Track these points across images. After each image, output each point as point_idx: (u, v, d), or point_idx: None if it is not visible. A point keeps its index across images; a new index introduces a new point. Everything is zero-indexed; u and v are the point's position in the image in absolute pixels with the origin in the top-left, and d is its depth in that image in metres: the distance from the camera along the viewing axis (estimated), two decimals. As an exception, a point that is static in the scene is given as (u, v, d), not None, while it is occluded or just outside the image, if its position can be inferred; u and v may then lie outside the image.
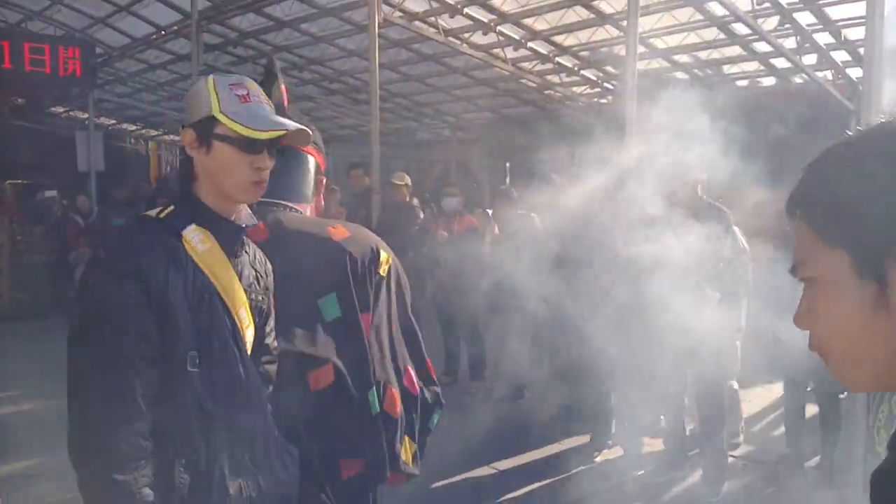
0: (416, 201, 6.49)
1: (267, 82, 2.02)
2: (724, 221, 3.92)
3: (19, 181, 15.27)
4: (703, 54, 8.75)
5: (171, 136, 16.85)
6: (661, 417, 4.63)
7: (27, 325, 9.05)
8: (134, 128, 16.62)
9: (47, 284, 9.97)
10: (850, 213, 0.72)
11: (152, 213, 1.55)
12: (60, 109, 15.17)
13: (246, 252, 1.63)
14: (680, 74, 9.36)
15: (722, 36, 7.91)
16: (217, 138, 1.47)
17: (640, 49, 7.86)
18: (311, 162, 2.18)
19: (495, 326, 5.77)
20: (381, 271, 1.92)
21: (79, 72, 11.21)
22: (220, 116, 1.48)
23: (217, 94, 1.50)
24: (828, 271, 0.73)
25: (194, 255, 1.49)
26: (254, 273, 1.63)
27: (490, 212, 5.99)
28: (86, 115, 13.08)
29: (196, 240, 1.51)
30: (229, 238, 1.56)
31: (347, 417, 1.80)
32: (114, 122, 16.06)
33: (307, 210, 2.12)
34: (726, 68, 9.25)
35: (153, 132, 16.85)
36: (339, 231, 1.93)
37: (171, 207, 1.53)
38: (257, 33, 9.51)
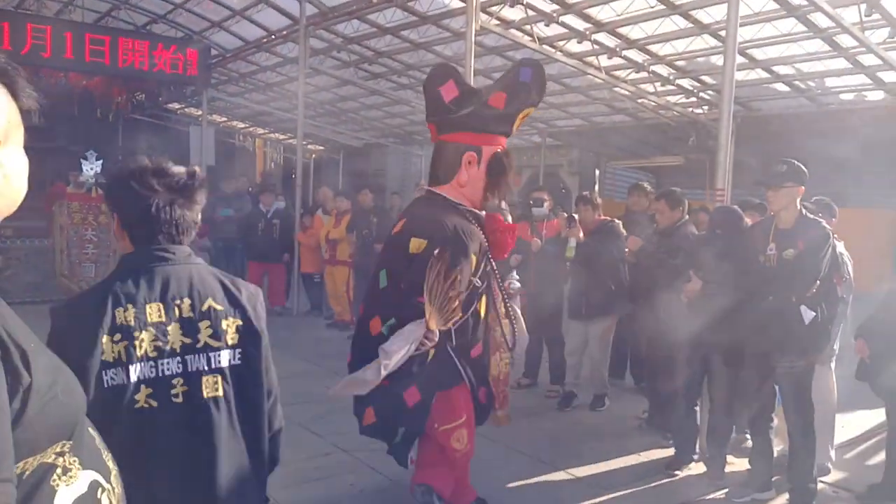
0: (504, 205, 6.61)
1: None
2: (823, 237, 3.76)
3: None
4: (805, 66, 8.47)
5: (277, 135, 17.67)
6: (747, 437, 4.54)
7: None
8: (243, 126, 17.54)
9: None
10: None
11: None
12: (177, 106, 16.22)
13: None
14: (780, 86, 9.08)
15: (826, 48, 7.64)
16: None
17: (739, 59, 7.72)
18: (449, 146, 3.10)
19: (577, 333, 5.82)
20: (411, 251, 2.99)
21: (195, 71, 12.01)
22: None
23: None
24: None
25: None
26: None
27: (576, 216, 6.00)
28: (199, 113, 13.96)
29: None
30: None
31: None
32: (224, 119, 16.99)
33: (445, 190, 3.11)
34: (829, 81, 8.90)
35: (260, 130, 17.72)
36: (398, 226, 3.14)
37: None
38: (360, 39, 9.91)
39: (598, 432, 5.16)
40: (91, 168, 8.99)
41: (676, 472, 4.43)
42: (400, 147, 15.99)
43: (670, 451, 4.78)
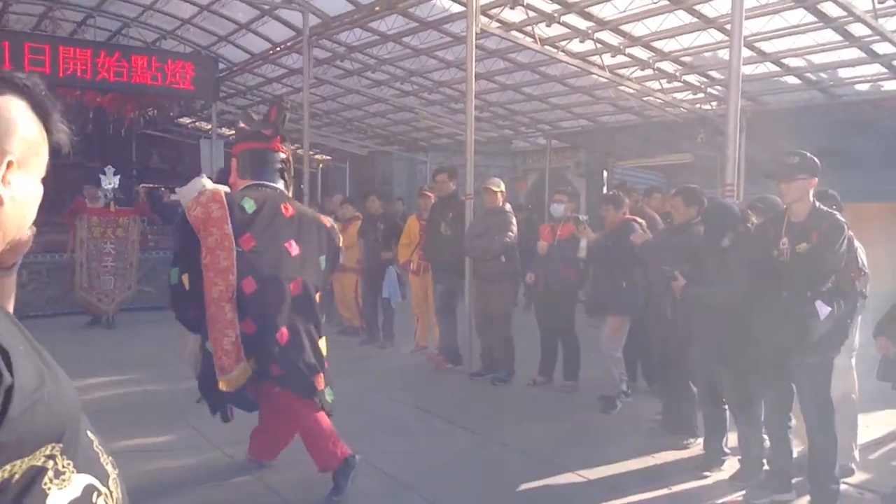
0: (508, 207, 6.57)
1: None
2: (837, 228, 3.65)
3: (150, 185, 16.61)
4: (816, 57, 8.32)
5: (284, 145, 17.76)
6: (765, 437, 4.42)
7: (152, 315, 9.81)
8: (251, 138, 17.63)
9: (172, 279, 10.78)
10: None
11: None
12: (188, 120, 16.34)
13: None
14: (791, 79, 8.94)
15: (838, 38, 7.50)
16: None
17: (747, 53, 7.60)
18: None
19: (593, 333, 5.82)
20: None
21: (204, 86, 12.09)
22: None
23: None
24: None
25: None
26: None
27: (584, 218, 6.01)
28: (209, 126, 14.07)
29: None
30: None
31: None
32: (234, 132, 17.09)
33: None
34: (843, 72, 8.74)
35: (268, 142, 17.81)
36: (327, 220, 4.05)
37: None
38: (363, 47, 9.92)
39: (611, 434, 5.06)
40: (109, 183, 9.08)
41: (706, 473, 4.32)
42: (405, 154, 15.99)
43: (685, 453, 4.68)
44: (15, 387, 0.82)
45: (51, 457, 0.89)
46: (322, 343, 3.82)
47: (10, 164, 0.94)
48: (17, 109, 0.96)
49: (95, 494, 0.94)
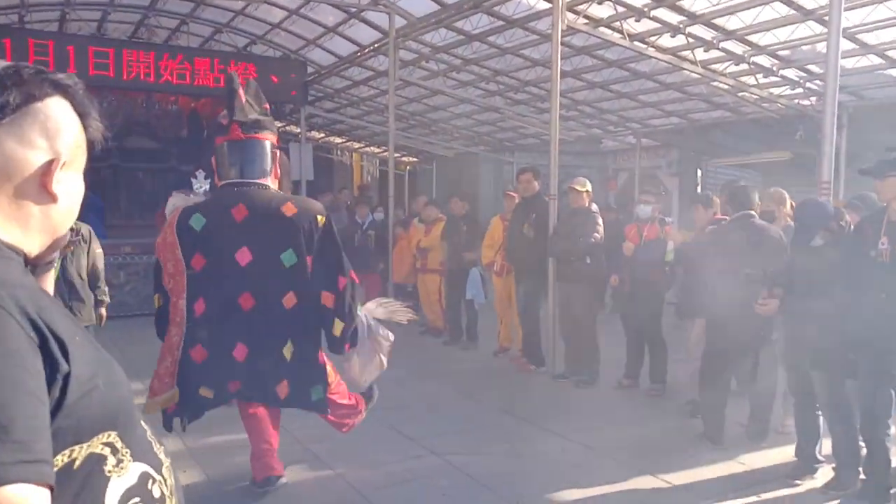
0: (594, 207, 6.50)
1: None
2: None
3: (243, 188, 17.28)
4: (925, 49, 7.78)
5: (372, 148, 18.16)
6: (861, 445, 4.23)
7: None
8: (339, 140, 18.11)
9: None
10: None
11: None
12: (278, 124, 16.93)
13: None
14: (895, 72, 8.39)
15: (950, 27, 7.00)
16: None
17: (848, 45, 7.20)
18: (263, 144, 3.60)
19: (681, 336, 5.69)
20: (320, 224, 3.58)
21: (293, 90, 12.53)
22: None
23: None
24: None
25: None
26: None
27: (670, 220, 5.90)
28: (298, 130, 14.56)
29: None
30: None
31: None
32: (322, 135, 17.62)
33: (268, 181, 3.61)
34: (955, 63, 8.13)
35: (356, 144, 18.24)
36: (290, 208, 3.51)
37: None
38: (448, 47, 10.02)
39: (698, 439, 4.93)
40: (200, 187, 9.51)
41: (798, 481, 4.19)
42: (491, 154, 16.02)
43: (776, 459, 4.55)
44: (72, 374, 0.86)
45: (108, 444, 0.93)
46: (287, 349, 3.59)
47: (63, 165, 0.98)
48: (64, 111, 0.99)
49: (150, 481, 0.99)
